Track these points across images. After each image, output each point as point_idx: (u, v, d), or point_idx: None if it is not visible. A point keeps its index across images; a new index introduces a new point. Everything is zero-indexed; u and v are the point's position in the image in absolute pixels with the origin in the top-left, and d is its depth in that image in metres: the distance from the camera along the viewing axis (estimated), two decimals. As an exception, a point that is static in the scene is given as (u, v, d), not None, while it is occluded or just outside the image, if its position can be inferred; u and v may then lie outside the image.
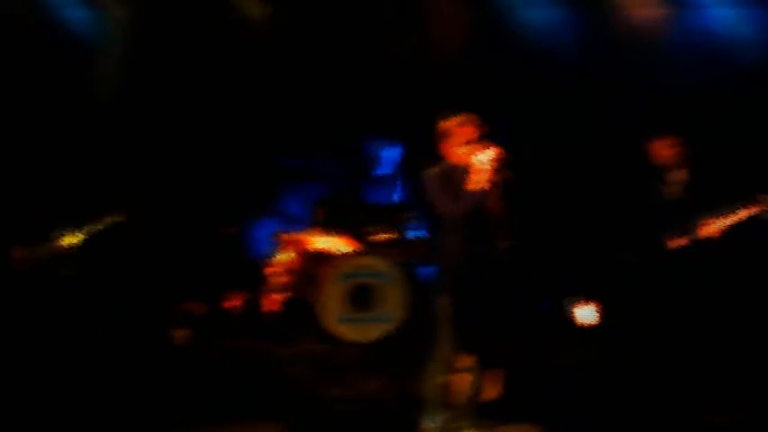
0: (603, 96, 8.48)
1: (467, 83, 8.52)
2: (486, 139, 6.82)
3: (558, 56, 8.72)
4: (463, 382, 6.79)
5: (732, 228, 7.41)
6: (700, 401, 7.26)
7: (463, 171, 6.75)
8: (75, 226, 8.04)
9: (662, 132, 7.68)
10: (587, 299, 8.04)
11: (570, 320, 8.30)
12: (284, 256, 9.00)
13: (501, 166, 6.74)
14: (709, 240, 7.45)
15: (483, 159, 6.70)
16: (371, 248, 8.72)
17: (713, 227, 7.43)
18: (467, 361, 6.80)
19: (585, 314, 8.08)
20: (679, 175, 7.65)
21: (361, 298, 8.47)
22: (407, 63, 8.73)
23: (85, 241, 8.05)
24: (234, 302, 9.12)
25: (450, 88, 8.49)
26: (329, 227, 9.07)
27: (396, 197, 8.56)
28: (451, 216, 6.78)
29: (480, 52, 8.81)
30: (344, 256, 8.62)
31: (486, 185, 6.71)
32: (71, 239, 8.02)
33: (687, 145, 7.64)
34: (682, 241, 7.52)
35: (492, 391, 7.09)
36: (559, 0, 8.87)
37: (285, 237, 9.14)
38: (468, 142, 6.79)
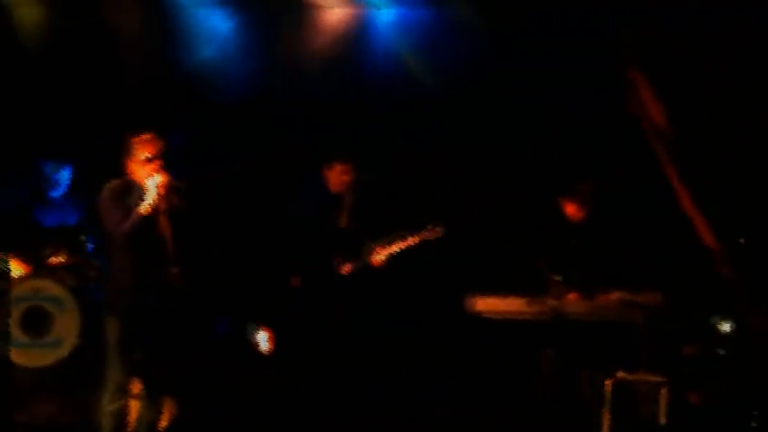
0: (281, 119, 8.55)
1: (149, 100, 8.40)
2: (163, 161, 6.78)
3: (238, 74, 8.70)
4: (136, 408, 6.74)
5: (401, 253, 7.77)
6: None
7: (139, 190, 6.68)
8: None
9: (335, 158, 7.92)
10: (263, 324, 8.12)
11: (251, 345, 8.34)
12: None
13: (171, 191, 6.74)
14: (380, 265, 7.78)
15: (154, 182, 6.65)
16: (44, 271, 8.46)
17: (383, 252, 7.76)
18: (137, 387, 6.76)
19: (262, 339, 8.17)
20: (350, 202, 7.92)
21: (34, 322, 8.20)
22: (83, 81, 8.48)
23: None
24: None
25: (133, 106, 8.36)
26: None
27: (71, 219, 8.33)
28: (118, 235, 6.67)
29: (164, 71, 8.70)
30: (16, 279, 8.32)
31: (155, 208, 6.66)
32: None
33: (358, 171, 7.92)
34: (352, 267, 7.79)
35: (165, 418, 7.04)
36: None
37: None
38: (146, 161, 6.72)
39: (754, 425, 7.12)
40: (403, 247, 7.77)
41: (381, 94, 8.55)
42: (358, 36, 8.68)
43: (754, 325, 6.97)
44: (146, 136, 6.79)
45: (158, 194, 6.63)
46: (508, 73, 8.30)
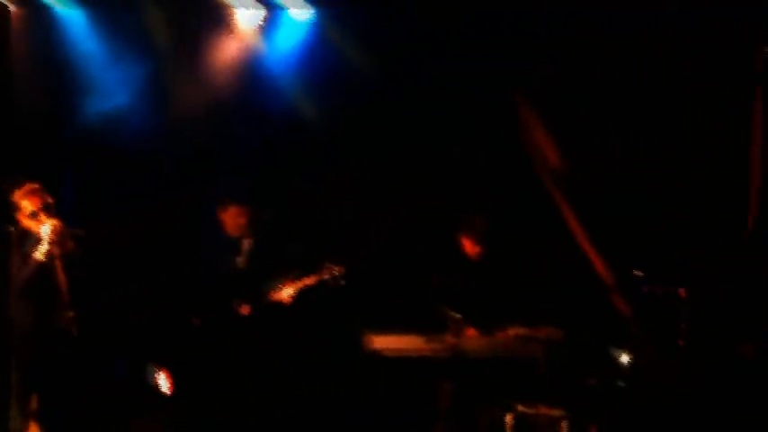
0: (178, 163, 8.45)
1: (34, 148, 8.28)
2: (51, 209, 6.82)
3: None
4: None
5: (301, 293, 7.70)
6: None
7: (34, 238, 6.79)
8: None
9: (230, 201, 7.84)
10: (162, 365, 8.00)
11: (150, 387, 8.21)
12: None
13: (66, 237, 6.81)
14: (279, 305, 7.70)
15: (46, 230, 6.74)
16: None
17: (283, 292, 7.68)
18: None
19: (161, 381, 8.04)
20: (248, 243, 7.84)
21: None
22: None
23: None
24: None
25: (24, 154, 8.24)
26: None
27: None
28: (17, 282, 6.80)
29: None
30: None
31: (49, 255, 6.76)
32: None
33: (255, 213, 7.85)
34: (251, 308, 7.70)
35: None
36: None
37: None
38: (34, 212, 6.78)
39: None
40: (302, 286, 7.70)
41: (277, 132, 8.48)
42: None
43: (644, 357, 6.99)
44: (28, 188, 6.80)
45: (52, 241, 6.72)
46: (398, 107, 8.33)
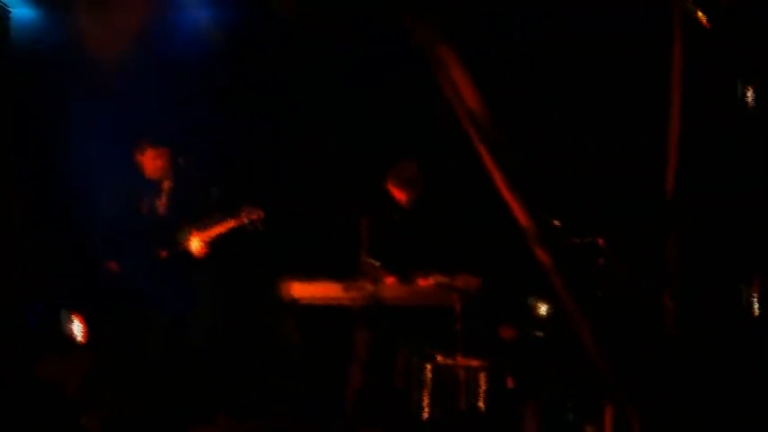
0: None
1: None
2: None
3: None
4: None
5: (219, 237, 7.57)
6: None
7: None
8: None
9: (147, 143, 7.68)
10: (75, 311, 7.85)
11: (64, 333, 8.06)
12: None
13: None
14: (196, 250, 7.57)
15: None
16: None
17: (201, 237, 7.55)
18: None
19: (75, 327, 7.90)
20: (165, 187, 7.70)
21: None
22: None
23: None
24: None
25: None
26: None
27: None
28: None
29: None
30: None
31: None
32: None
33: (173, 156, 7.70)
34: (170, 252, 7.57)
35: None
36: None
37: None
38: None
39: (570, 416, 7.13)
40: (221, 231, 7.57)
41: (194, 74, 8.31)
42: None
43: (568, 307, 6.96)
44: None
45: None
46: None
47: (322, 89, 8.27)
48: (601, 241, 7.11)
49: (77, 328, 7.86)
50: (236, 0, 8.23)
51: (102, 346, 7.81)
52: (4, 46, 8.02)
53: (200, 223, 7.54)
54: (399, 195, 7.68)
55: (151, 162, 7.68)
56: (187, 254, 7.56)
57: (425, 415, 7.09)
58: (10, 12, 8.02)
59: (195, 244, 7.53)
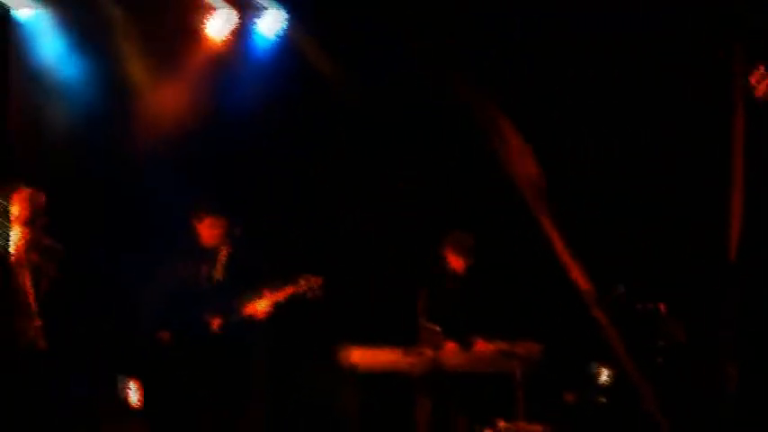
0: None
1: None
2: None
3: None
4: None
5: (277, 306, 7.56)
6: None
7: None
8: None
9: (205, 211, 7.70)
10: (132, 376, 7.84)
11: (123, 398, 8.04)
12: None
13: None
14: (254, 319, 7.55)
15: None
16: None
17: (258, 306, 7.54)
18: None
19: (132, 392, 7.88)
20: (222, 255, 7.71)
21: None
22: None
23: None
24: None
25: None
26: None
27: None
28: None
29: None
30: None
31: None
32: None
33: (230, 224, 7.71)
34: (225, 321, 7.55)
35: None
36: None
37: None
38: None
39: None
40: (279, 298, 7.55)
41: (248, 140, 8.37)
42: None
43: (632, 374, 6.94)
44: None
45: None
46: (371, 116, 8.25)
47: (382, 156, 8.34)
48: (662, 306, 7.11)
49: (134, 393, 7.85)
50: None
51: (157, 412, 7.77)
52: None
53: (258, 292, 7.53)
54: (456, 263, 7.72)
55: (208, 230, 7.68)
56: (245, 322, 7.54)
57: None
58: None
59: (262, 305, 7.50)
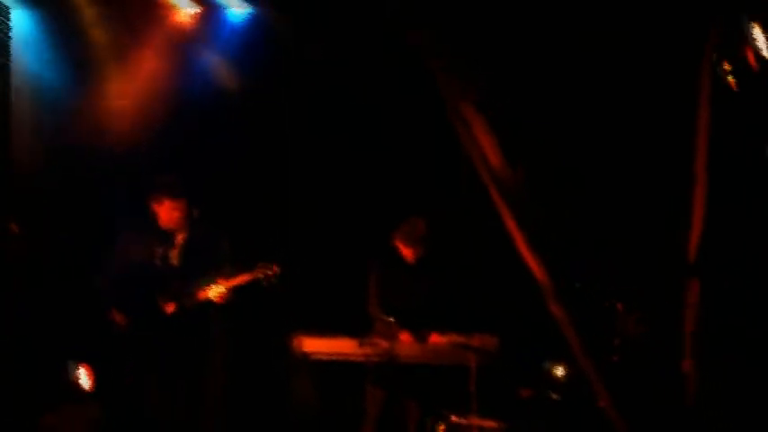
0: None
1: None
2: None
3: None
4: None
5: (233, 292, 7.46)
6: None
7: None
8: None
9: (165, 193, 7.60)
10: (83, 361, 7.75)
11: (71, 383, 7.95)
12: None
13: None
14: (207, 304, 7.45)
15: None
16: None
17: (214, 291, 7.44)
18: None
19: (82, 376, 7.79)
20: (179, 239, 7.60)
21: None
22: None
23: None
24: None
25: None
26: None
27: None
28: None
29: None
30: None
31: None
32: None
33: (190, 207, 7.61)
34: (179, 305, 7.45)
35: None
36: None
37: None
38: None
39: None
40: (235, 284, 7.46)
41: (213, 126, 8.33)
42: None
43: (587, 371, 6.88)
44: None
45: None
46: (337, 106, 8.20)
47: (340, 143, 8.29)
48: (620, 305, 7.06)
49: (84, 378, 7.75)
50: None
51: (109, 396, 7.68)
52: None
53: (222, 273, 7.43)
54: (406, 252, 7.63)
55: (167, 213, 7.57)
56: (199, 307, 7.44)
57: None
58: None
59: (218, 291, 7.39)
